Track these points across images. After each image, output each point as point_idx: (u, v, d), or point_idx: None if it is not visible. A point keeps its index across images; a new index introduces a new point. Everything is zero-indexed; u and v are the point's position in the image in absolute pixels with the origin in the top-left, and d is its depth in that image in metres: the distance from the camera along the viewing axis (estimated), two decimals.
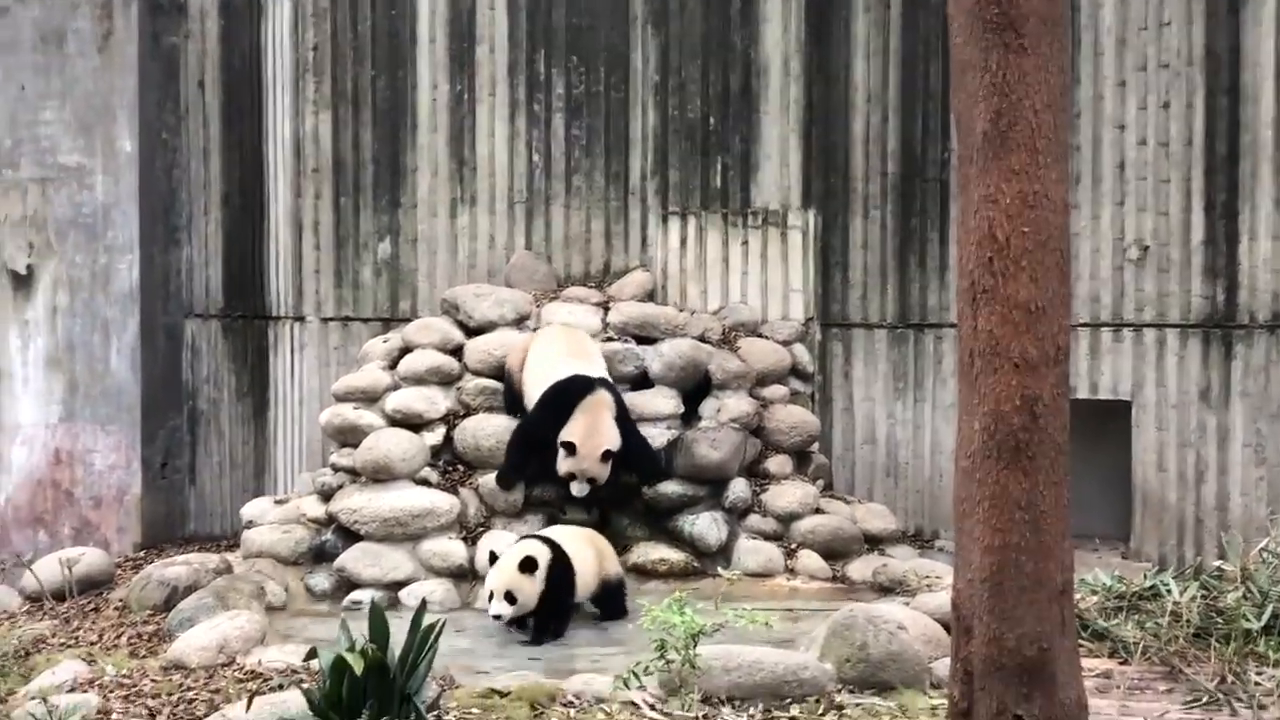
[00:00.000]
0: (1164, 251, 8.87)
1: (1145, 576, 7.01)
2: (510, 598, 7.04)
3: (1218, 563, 7.19)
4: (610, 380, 8.42)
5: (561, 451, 8.10)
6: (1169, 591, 6.83)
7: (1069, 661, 4.46)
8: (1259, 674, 6.16)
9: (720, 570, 8.00)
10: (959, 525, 4.54)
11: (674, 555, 8.40)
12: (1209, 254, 8.82)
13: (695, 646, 5.37)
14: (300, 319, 9.85)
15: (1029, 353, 4.39)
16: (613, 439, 8.12)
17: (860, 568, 8.37)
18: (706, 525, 8.43)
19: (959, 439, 4.57)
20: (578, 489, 8.15)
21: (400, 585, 7.94)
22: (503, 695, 5.72)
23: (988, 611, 4.39)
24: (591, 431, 8.11)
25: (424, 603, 5.67)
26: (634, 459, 8.35)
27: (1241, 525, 8.50)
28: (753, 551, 8.41)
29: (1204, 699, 5.93)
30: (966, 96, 4.50)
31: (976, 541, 4.43)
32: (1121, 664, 6.42)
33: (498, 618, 7.06)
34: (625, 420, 8.34)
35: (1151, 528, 8.93)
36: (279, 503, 8.91)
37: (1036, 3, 4.39)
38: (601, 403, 8.21)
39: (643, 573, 8.36)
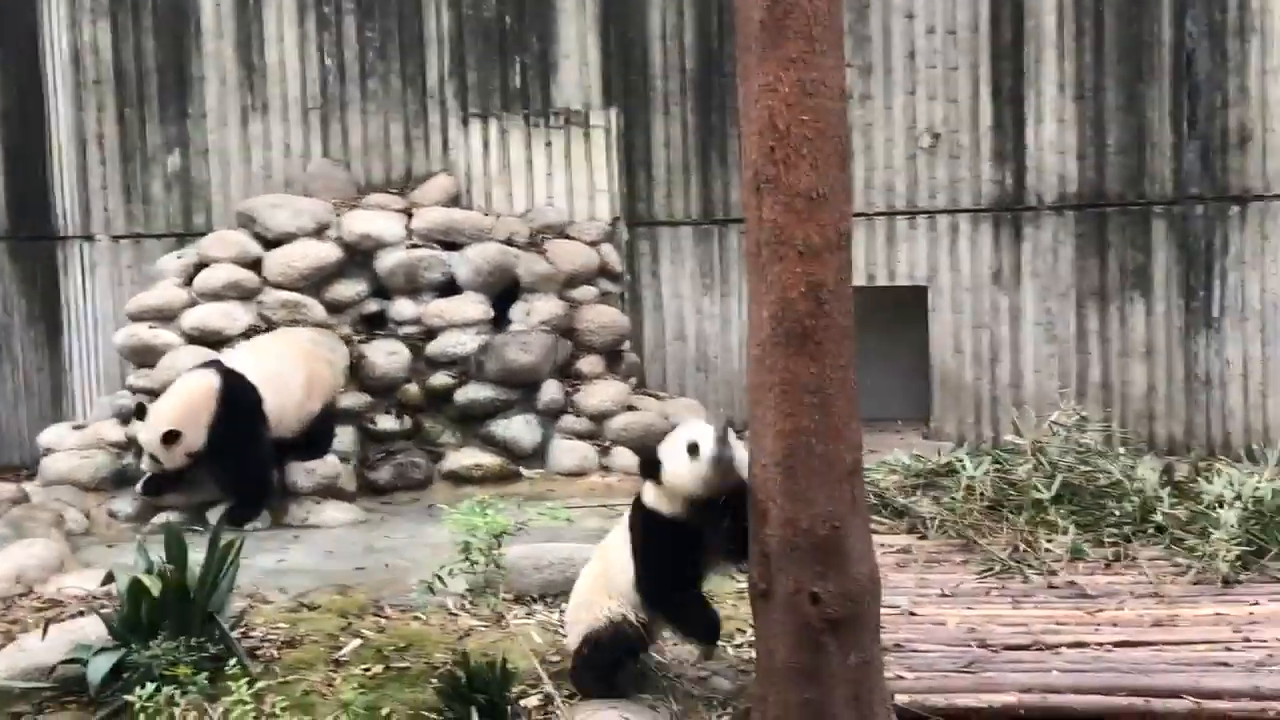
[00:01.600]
0: (954, 138, 9.09)
1: (940, 454, 7.25)
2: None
3: (1009, 437, 7.47)
4: (247, 379, 7.59)
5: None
6: (964, 468, 7.08)
7: (861, 538, 4.59)
8: (1049, 541, 6.44)
9: (523, 470, 8.11)
10: (752, 412, 4.61)
11: (489, 460, 8.43)
12: (997, 139, 9.07)
13: (500, 547, 5.40)
14: (89, 238, 9.53)
15: (812, 240, 4.43)
16: (182, 423, 7.38)
17: None
18: (520, 428, 8.49)
19: (750, 328, 4.62)
20: (145, 463, 7.58)
21: (207, 505, 7.75)
22: (312, 609, 5.67)
23: (781, 494, 4.47)
24: (167, 406, 7.52)
25: (221, 520, 5.58)
26: (220, 469, 7.58)
27: (1035, 401, 8.85)
28: (568, 451, 8.49)
29: (997, 568, 6.18)
30: None
31: (769, 427, 4.50)
32: (920, 539, 6.66)
33: None
34: (239, 427, 7.45)
35: (950, 407, 9.23)
36: (78, 428, 8.64)
37: None
38: (199, 383, 7.53)
39: (459, 479, 8.37)
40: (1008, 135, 9.04)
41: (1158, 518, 6.49)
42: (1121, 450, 7.53)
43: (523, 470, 8.35)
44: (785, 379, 4.44)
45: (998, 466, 7.12)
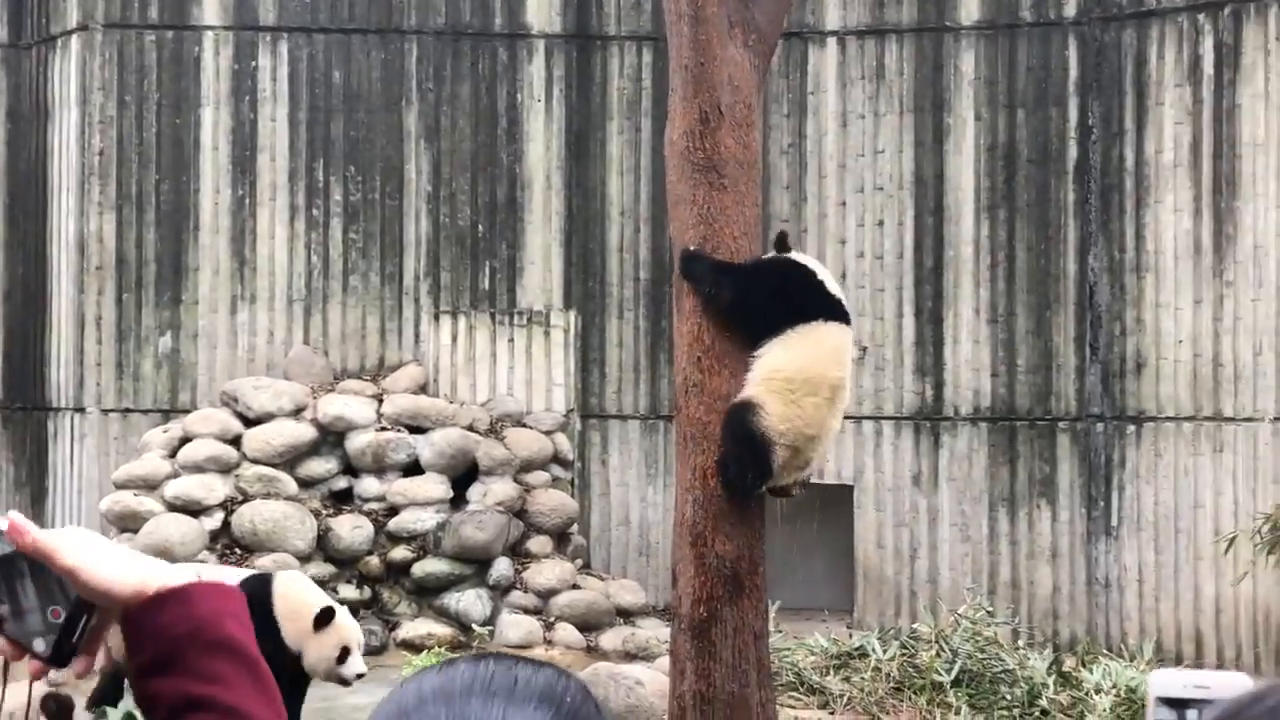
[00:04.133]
0: (880, 352, 10.05)
1: (850, 636, 8.02)
2: None
3: (915, 625, 8.24)
4: None
5: None
6: (874, 651, 7.86)
7: (766, 697, 5.36)
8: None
9: (473, 641, 8.78)
10: (675, 584, 5.41)
11: (440, 630, 9.13)
12: (919, 354, 10.02)
13: None
14: (80, 410, 10.25)
15: None
16: None
17: (612, 638, 9.20)
18: (471, 601, 9.20)
19: (676, 510, 5.45)
20: None
21: None
22: None
23: (695, 654, 5.25)
24: None
25: None
26: None
27: (949, 596, 9.60)
28: (514, 625, 9.19)
29: None
30: (679, 224, 5.46)
31: (688, 595, 5.30)
32: (831, 714, 7.38)
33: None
34: None
35: (872, 599, 10.00)
36: None
37: (734, 149, 5.38)
38: None
39: (411, 647, 9.03)
40: (928, 351, 10.00)
41: (1043, 702, 7.26)
42: (1021, 644, 8.32)
43: (472, 641, 9.05)
44: (699, 549, 5.25)
45: (904, 651, 7.89)
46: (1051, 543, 9.80)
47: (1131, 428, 9.65)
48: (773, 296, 5.24)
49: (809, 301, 5.25)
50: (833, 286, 5.36)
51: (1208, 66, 9.39)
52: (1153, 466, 9.57)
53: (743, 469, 5.15)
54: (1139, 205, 9.64)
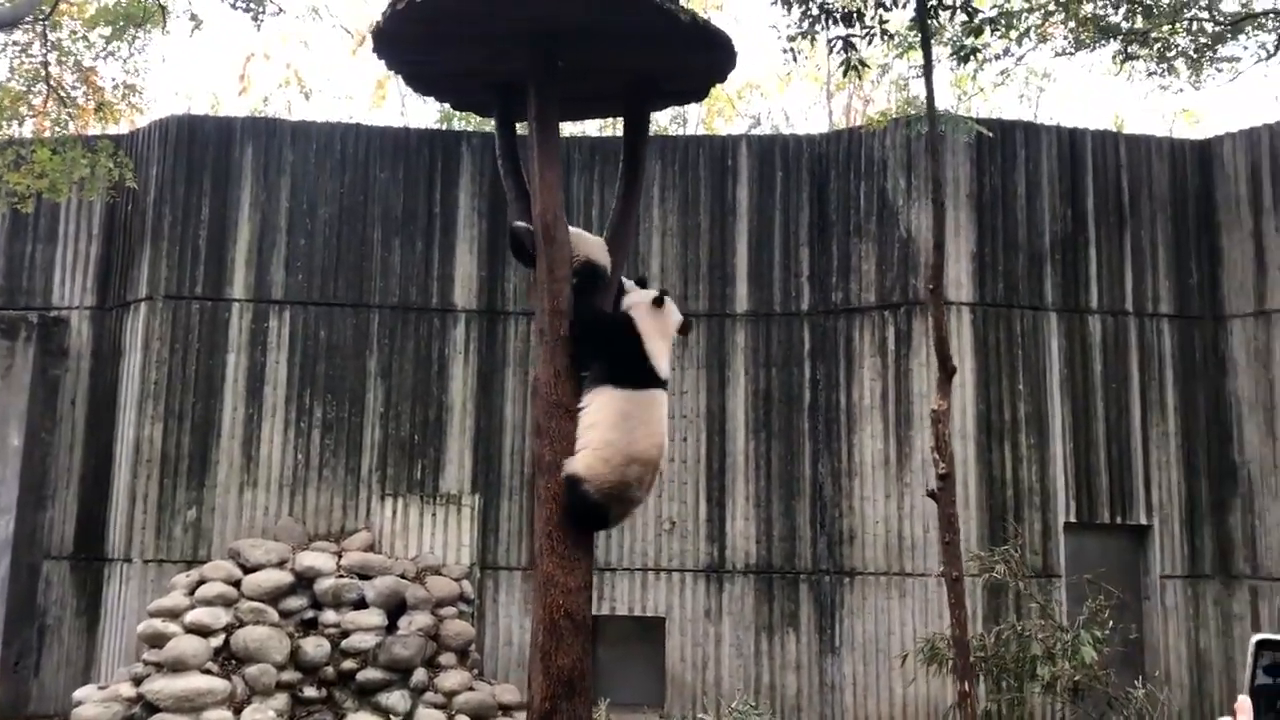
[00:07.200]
0: (684, 525, 10.29)
1: None
2: None
3: (700, 715, 8.30)
4: None
5: None
6: None
7: None
8: None
9: None
10: (529, 686, 5.49)
11: None
12: (710, 527, 10.28)
13: None
14: (129, 560, 10.01)
15: (569, 584, 5.48)
16: None
17: None
18: (397, 699, 9.03)
19: (531, 635, 5.57)
20: None
21: None
22: None
23: None
24: None
25: None
26: None
27: (729, 695, 9.69)
28: (427, 717, 9.00)
29: None
30: (540, 440, 5.72)
31: (538, 694, 5.39)
32: None
33: None
34: None
35: (677, 697, 10.00)
36: (102, 688, 8.93)
37: (570, 398, 5.70)
38: None
39: None
40: (716, 526, 10.27)
41: None
42: None
43: None
44: (546, 662, 5.37)
45: None
46: (796, 658, 9.96)
47: (848, 579, 9.95)
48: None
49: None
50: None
51: (891, 344, 10.07)
52: (861, 606, 9.86)
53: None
54: (850, 432, 10.15)
